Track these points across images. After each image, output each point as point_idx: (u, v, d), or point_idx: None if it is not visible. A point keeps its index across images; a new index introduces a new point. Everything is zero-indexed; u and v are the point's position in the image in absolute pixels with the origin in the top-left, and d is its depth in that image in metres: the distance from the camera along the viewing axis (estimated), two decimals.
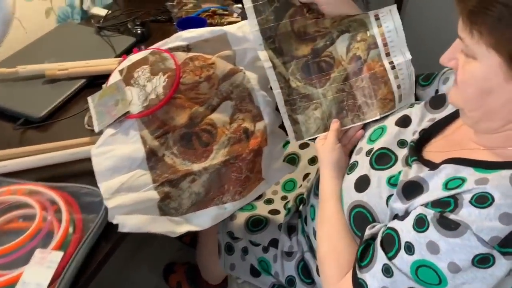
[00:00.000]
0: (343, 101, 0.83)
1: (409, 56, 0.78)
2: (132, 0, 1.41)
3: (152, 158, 0.79)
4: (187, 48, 0.87)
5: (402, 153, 0.72)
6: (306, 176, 1.09)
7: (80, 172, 0.81)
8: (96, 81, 1.03)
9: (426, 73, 0.85)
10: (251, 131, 0.84)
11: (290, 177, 1.09)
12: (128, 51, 1.13)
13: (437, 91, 0.83)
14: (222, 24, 1.24)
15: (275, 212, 1.01)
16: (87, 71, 1.01)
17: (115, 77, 0.87)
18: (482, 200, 0.53)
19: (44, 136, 0.90)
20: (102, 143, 0.79)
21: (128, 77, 0.85)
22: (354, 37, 0.83)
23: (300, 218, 0.94)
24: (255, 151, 0.82)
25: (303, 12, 0.83)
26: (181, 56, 0.85)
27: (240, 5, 1.30)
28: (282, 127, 0.88)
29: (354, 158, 0.78)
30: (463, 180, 0.57)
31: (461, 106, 0.64)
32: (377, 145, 0.75)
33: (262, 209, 1.02)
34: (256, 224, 0.97)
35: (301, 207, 0.98)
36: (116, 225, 0.70)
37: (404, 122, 0.77)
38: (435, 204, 0.57)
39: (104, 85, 0.89)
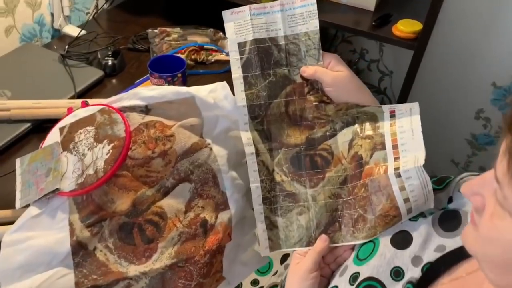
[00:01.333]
0: (337, 209, 0.65)
1: (421, 162, 0.59)
2: (114, 20, 1.25)
3: (80, 252, 0.62)
4: (145, 109, 0.70)
5: None
6: (285, 258, 0.91)
7: None
8: (44, 125, 0.87)
9: (439, 176, 0.67)
10: (211, 224, 0.67)
11: None
12: (91, 89, 0.97)
13: (450, 198, 0.65)
14: (208, 62, 1.07)
15: None
16: (33, 113, 0.85)
17: (54, 137, 0.70)
18: None
19: None
20: (19, 227, 0.62)
21: (68, 139, 0.68)
22: (360, 131, 0.65)
23: None
24: (212, 252, 0.65)
25: (303, 91, 0.67)
26: (136, 119, 0.69)
27: None
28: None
29: (335, 280, 0.61)
30: None
31: (479, 258, 0.46)
32: (365, 271, 0.58)
33: None
34: None
35: None
36: None
37: (403, 241, 0.59)
38: None
39: (46, 136, 0.72)
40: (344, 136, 0.67)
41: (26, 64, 0.99)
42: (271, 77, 0.67)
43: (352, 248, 0.65)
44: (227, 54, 1.09)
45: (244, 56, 0.66)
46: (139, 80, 0.99)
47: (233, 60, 0.67)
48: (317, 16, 0.66)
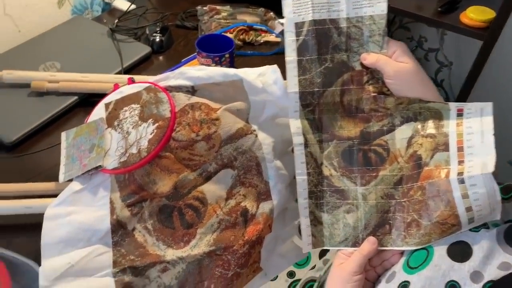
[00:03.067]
0: (389, 211, 0.61)
1: (490, 169, 0.53)
2: None
3: (119, 231, 0.62)
4: (192, 89, 0.68)
5: None
6: (324, 252, 0.88)
7: (34, 228, 0.65)
8: (91, 99, 0.87)
9: (506, 184, 0.60)
10: (252, 214, 0.64)
11: None
12: (137, 65, 0.96)
13: None
14: (257, 43, 1.03)
15: None
16: (80, 87, 0.85)
17: (99, 112, 0.70)
18: None
19: (12, 164, 0.76)
20: (61, 201, 0.62)
21: (113, 116, 0.67)
22: (421, 129, 0.60)
23: None
24: (252, 242, 0.63)
25: (362, 80, 0.61)
26: (182, 100, 0.66)
27: (283, 21, 1.08)
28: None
29: (381, 286, 0.57)
30: None
31: None
32: (416, 281, 0.53)
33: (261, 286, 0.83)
34: None
35: None
36: None
37: (461, 254, 0.54)
38: None
39: (92, 111, 0.71)
40: (402, 132, 0.62)
41: (76, 37, 0.99)
42: (327, 63, 0.62)
43: (402, 252, 0.61)
44: (277, 36, 1.05)
45: (301, 37, 0.61)
46: (185, 59, 0.97)
47: (289, 41, 0.62)
48: None
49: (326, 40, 0.61)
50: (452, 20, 0.88)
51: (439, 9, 0.90)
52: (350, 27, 0.61)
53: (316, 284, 0.79)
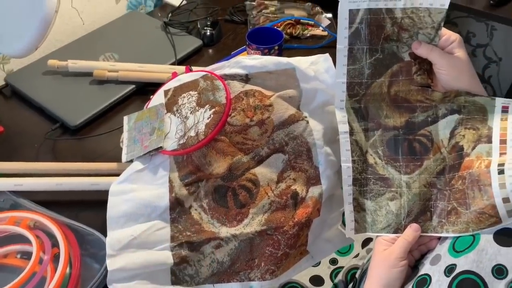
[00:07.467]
0: (431, 199, 0.62)
1: None
2: None
3: (177, 208, 0.66)
4: (245, 78, 0.71)
5: None
6: (367, 242, 0.89)
7: (99, 204, 0.71)
8: (147, 88, 0.92)
9: None
10: (302, 197, 0.66)
11: None
12: (189, 57, 1.00)
13: None
14: (303, 36, 1.06)
15: (318, 281, 0.84)
16: (138, 76, 0.90)
17: (158, 98, 0.74)
18: None
19: (75, 146, 0.82)
20: (125, 179, 0.67)
21: (172, 102, 0.72)
22: (464, 121, 0.61)
23: None
24: (301, 224, 0.65)
25: (411, 71, 0.63)
26: (236, 87, 0.70)
27: (329, 15, 1.10)
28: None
29: (426, 269, 0.58)
30: None
31: None
32: (462, 263, 0.54)
33: (303, 272, 0.85)
34: None
35: (350, 286, 0.80)
36: None
37: (508, 239, 0.54)
38: None
39: (152, 97, 0.76)
40: (446, 124, 0.62)
41: (132, 30, 1.05)
42: (378, 54, 0.63)
43: (439, 238, 0.62)
44: (324, 29, 1.07)
45: (354, 25, 0.62)
46: (235, 52, 1.01)
47: (341, 28, 0.62)
48: None
49: (379, 31, 0.62)
50: (504, 13, 0.87)
51: (492, 1, 0.89)
52: (404, 17, 0.61)
53: (359, 272, 0.81)
